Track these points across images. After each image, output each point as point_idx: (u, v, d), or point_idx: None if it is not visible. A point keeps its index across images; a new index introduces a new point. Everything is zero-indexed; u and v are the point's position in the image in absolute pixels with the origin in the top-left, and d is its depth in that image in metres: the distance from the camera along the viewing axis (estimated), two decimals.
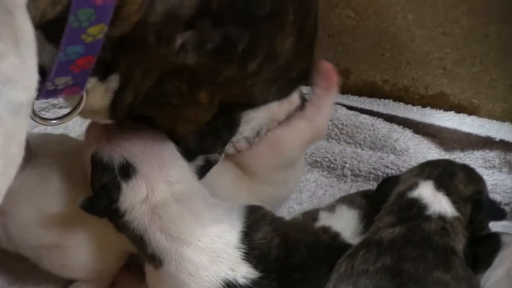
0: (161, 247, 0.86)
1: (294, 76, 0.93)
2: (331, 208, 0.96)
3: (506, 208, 1.07)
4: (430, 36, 1.26)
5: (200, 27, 0.80)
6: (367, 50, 1.29)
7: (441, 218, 0.90)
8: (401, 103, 1.27)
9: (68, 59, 0.79)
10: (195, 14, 0.78)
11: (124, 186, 0.86)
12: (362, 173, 1.16)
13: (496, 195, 1.11)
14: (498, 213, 0.96)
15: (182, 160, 0.93)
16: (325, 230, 0.91)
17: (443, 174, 0.96)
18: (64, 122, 0.88)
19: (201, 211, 0.85)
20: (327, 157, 1.19)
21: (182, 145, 0.98)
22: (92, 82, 0.84)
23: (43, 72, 0.78)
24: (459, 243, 0.89)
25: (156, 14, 0.76)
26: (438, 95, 1.29)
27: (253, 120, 1.05)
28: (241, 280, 0.84)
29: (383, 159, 1.17)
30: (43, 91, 0.79)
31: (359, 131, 1.23)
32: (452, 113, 1.23)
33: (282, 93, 0.95)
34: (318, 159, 1.20)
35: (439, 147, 1.21)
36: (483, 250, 0.92)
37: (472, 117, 1.22)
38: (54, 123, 0.86)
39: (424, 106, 1.28)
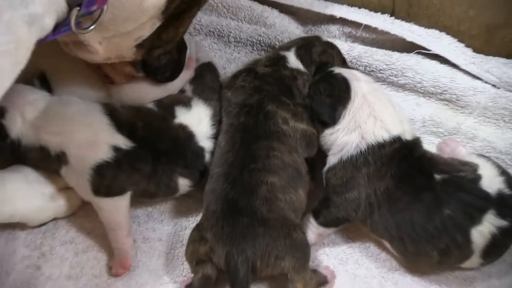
0: (56, 143, 1.08)
1: None
2: (187, 103, 1.21)
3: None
4: None
5: None
6: None
7: (294, 70, 1.26)
8: None
9: None
10: None
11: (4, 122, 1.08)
12: (242, 40, 1.44)
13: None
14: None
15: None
16: (183, 128, 1.17)
17: (304, 46, 1.30)
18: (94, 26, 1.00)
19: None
20: (217, 28, 1.46)
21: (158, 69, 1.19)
22: None
23: None
24: (302, 86, 1.24)
25: None
26: None
27: None
28: (123, 146, 1.09)
29: (257, 30, 1.44)
30: (85, 2, 0.93)
31: (241, 11, 1.47)
32: None
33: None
34: (211, 30, 1.45)
35: (297, 22, 1.50)
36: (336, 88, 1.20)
37: (321, 1, 1.48)
38: (89, 29, 1.00)
39: None
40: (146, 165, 1.12)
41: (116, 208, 1.13)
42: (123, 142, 1.11)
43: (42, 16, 0.88)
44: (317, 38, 1.34)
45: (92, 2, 0.94)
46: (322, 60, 1.28)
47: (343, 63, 1.35)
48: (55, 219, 1.21)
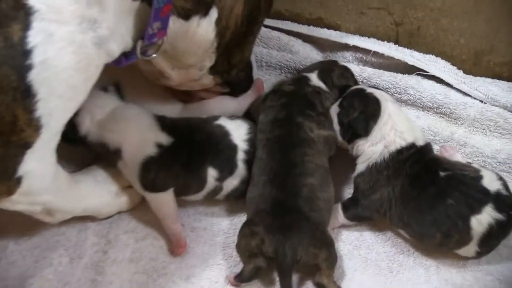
0: (113, 141, 1.20)
1: None
2: (232, 117, 1.32)
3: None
4: None
5: None
6: None
7: (316, 87, 1.38)
8: (295, 23, 1.65)
9: (159, 6, 1.01)
10: None
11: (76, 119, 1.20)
12: (272, 65, 1.57)
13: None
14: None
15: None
16: (220, 127, 1.28)
17: (325, 69, 1.43)
18: (155, 54, 1.12)
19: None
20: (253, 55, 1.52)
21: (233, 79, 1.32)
22: (195, 21, 1.10)
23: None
24: (324, 99, 1.36)
25: None
26: (317, 18, 1.65)
27: None
28: (165, 142, 1.21)
29: (284, 56, 1.58)
30: (147, 35, 1.05)
31: (271, 40, 1.61)
32: (325, 29, 1.62)
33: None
34: None
35: (317, 49, 1.63)
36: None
37: (337, 32, 1.62)
38: (152, 57, 1.12)
39: (308, 25, 1.64)
40: (182, 155, 1.22)
41: (161, 202, 1.23)
42: (165, 139, 1.21)
43: (108, 39, 0.98)
44: (335, 63, 1.47)
45: (153, 35, 1.05)
46: (341, 82, 1.41)
47: (356, 83, 1.45)
48: (119, 212, 1.31)
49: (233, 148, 1.26)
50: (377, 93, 1.31)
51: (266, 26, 1.61)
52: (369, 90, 1.32)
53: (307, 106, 1.33)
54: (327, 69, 1.44)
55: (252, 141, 1.29)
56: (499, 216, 1.14)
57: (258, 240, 1.13)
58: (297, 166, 1.22)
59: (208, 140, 1.27)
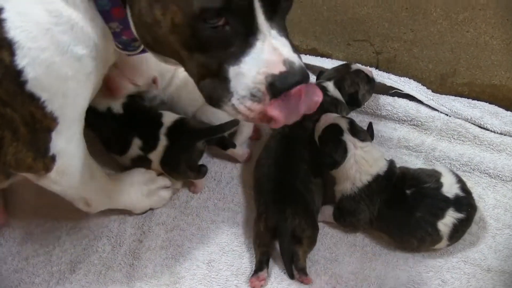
0: None
1: None
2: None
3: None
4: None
5: None
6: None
7: (334, 98, 1.45)
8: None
9: (104, 9, 0.98)
10: None
11: None
12: None
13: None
14: (357, 103, 1.48)
15: None
16: (156, 112, 1.39)
17: (339, 79, 1.48)
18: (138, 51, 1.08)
19: None
20: None
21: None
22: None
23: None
24: (341, 112, 1.43)
25: None
26: (313, 48, 1.71)
27: None
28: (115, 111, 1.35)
29: None
30: (116, 38, 1.03)
31: None
32: (319, 57, 1.69)
33: None
34: None
35: (313, 75, 1.57)
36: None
37: (329, 59, 1.67)
38: (135, 52, 1.08)
39: (305, 54, 1.69)
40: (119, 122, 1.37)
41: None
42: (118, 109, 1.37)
43: (87, 54, 0.99)
44: (347, 70, 1.52)
45: (118, 34, 1.03)
46: (351, 90, 1.47)
47: (369, 81, 1.51)
48: (151, 208, 1.40)
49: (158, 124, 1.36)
50: (349, 138, 1.30)
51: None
52: (345, 136, 1.31)
53: (323, 112, 1.38)
54: (340, 78, 1.50)
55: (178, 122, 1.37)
56: (459, 215, 1.25)
57: (263, 222, 1.24)
58: (296, 155, 1.33)
59: (141, 115, 1.39)
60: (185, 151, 1.34)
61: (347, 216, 1.32)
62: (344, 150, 1.30)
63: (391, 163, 1.33)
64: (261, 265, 1.26)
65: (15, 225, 1.38)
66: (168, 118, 1.38)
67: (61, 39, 0.95)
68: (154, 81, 1.37)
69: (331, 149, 1.31)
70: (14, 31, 0.91)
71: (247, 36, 0.86)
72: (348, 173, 1.30)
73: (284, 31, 0.90)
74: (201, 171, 1.36)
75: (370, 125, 1.40)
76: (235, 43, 0.86)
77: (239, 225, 1.39)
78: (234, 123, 1.34)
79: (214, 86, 0.90)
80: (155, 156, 1.36)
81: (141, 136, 1.36)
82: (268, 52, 0.86)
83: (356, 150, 1.30)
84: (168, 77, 1.43)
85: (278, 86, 0.86)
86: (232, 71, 0.87)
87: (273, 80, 0.86)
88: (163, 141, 1.35)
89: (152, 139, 1.36)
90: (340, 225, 1.35)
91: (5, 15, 0.91)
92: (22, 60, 0.93)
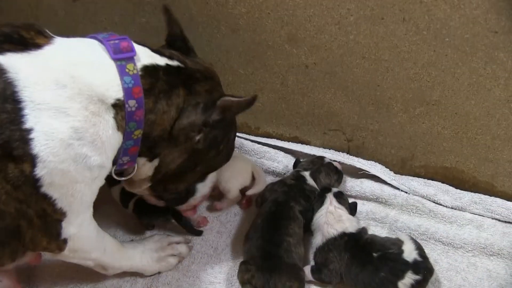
0: None
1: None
2: None
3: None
4: None
5: (205, 131, 1.21)
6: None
7: (312, 187, 1.56)
8: (279, 140, 1.80)
9: (127, 147, 1.13)
10: (202, 125, 1.20)
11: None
12: (264, 170, 1.71)
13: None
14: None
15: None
16: None
17: (315, 171, 1.60)
18: (127, 178, 1.23)
19: None
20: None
21: (169, 197, 1.40)
22: (142, 161, 1.21)
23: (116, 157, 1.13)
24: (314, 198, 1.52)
25: (182, 124, 1.16)
26: (294, 137, 1.81)
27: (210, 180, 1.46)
28: None
29: (272, 164, 1.75)
30: (118, 164, 1.16)
31: (262, 153, 1.77)
32: (299, 144, 1.79)
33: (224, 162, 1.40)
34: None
35: (293, 157, 1.74)
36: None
37: (308, 146, 1.78)
38: (123, 179, 1.24)
39: (288, 141, 1.80)
40: None
41: None
42: None
43: (99, 166, 1.09)
44: (321, 162, 1.64)
45: (122, 164, 1.18)
46: (325, 182, 1.60)
47: (337, 172, 1.62)
48: (159, 272, 1.49)
49: None
50: (330, 197, 1.49)
51: (259, 143, 1.79)
52: (328, 194, 1.50)
53: (303, 197, 1.54)
54: (316, 170, 1.60)
55: None
56: (416, 277, 1.34)
57: (250, 276, 1.33)
58: (281, 230, 1.41)
59: None
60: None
61: (322, 268, 1.40)
62: (321, 203, 1.48)
63: (362, 229, 1.46)
64: None
65: (39, 285, 1.46)
66: None
67: (79, 151, 1.03)
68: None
69: (315, 200, 1.50)
70: (38, 148, 0.98)
71: None
72: (319, 223, 1.44)
73: None
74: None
75: (354, 204, 1.55)
76: None
77: (233, 286, 1.48)
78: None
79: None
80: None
81: None
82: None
83: (330, 206, 1.46)
84: None
85: None
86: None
87: None
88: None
89: None
90: (317, 281, 1.43)
91: (33, 135, 0.98)
92: (41, 171, 0.99)
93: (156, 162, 1.21)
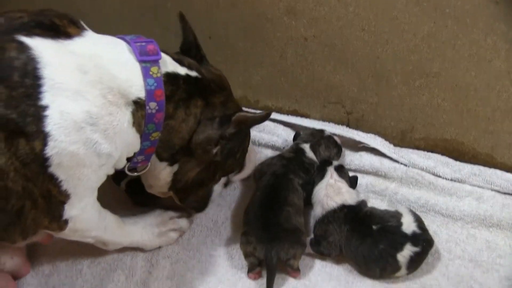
0: None
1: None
2: None
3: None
4: None
5: (222, 144, 1.24)
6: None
7: (311, 159, 1.56)
8: (278, 113, 1.79)
9: (144, 147, 1.16)
10: (219, 138, 1.23)
11: None
12: (263, 144, 1.71)
13: None
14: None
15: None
16: None
17: (314, 143, 1.60)
18: (140, 174, 1.25)
19: None
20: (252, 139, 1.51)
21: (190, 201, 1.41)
22: (163, 165, 1.25)
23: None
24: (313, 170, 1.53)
25: (199, 139, 1.19)
26: (294, 110, 1.81)
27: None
28: None
29: (271, 138, 1.73)
30: (133, 162, 1.19)
31: (262, 126, 1.74)
32: (299, 117, 1.79)
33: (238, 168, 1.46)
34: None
35: (294, 131, 1.71)
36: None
37: (307, 119, 1.77)
38: (136, 175, 1.26)
39: (287, 114, 1.79)
40: None
41: None
42: None
43: (109, 154, 1.09)
44: (321, 135, 1.65)
45: (136, 163, 1.21)
46: (325, 155, 1.60)
47: (337, 146, 1.63)
48: (160, 246, 1.48)
49: None
50: (331, 170, 1.50)
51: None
52: (329, 170, 1.50)
53: (303, 170, 1.55)
54: (316, 142, 1.61)
55: None
56: (415, 249, 1.35)
57: (252, 248, 1.34)
58: (281, 201, 1.42)
59: None
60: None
61: (321, 240, 1.40)
62: (322, 176, 1.49)
63: (362, 202, 1.47)
64: (250, 268, 1.38)
65: (43, 260, 1.46)
66: None
67: (91, 136, 1.04)
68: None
69: (316, 173, 1.51)
70: (51, 127, 0.98)
71: None
72: (319, 196, 1.45)
73: None
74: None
75: (355, 177, 1.56)
76: None
77: (233, 258, 1.48)
78: None
79: None
80: None
81: None
82: None
83: (331, 179, 1.47)
84: None
85: None
86: None
87: None
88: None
89: None
90: (317, 254, 1.44)
91: (48, 112, 0.98)
92: (51, 150, 1.00)
93: (176, 167, 1.25)
